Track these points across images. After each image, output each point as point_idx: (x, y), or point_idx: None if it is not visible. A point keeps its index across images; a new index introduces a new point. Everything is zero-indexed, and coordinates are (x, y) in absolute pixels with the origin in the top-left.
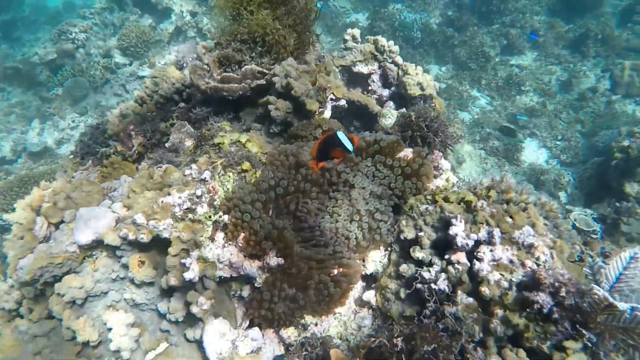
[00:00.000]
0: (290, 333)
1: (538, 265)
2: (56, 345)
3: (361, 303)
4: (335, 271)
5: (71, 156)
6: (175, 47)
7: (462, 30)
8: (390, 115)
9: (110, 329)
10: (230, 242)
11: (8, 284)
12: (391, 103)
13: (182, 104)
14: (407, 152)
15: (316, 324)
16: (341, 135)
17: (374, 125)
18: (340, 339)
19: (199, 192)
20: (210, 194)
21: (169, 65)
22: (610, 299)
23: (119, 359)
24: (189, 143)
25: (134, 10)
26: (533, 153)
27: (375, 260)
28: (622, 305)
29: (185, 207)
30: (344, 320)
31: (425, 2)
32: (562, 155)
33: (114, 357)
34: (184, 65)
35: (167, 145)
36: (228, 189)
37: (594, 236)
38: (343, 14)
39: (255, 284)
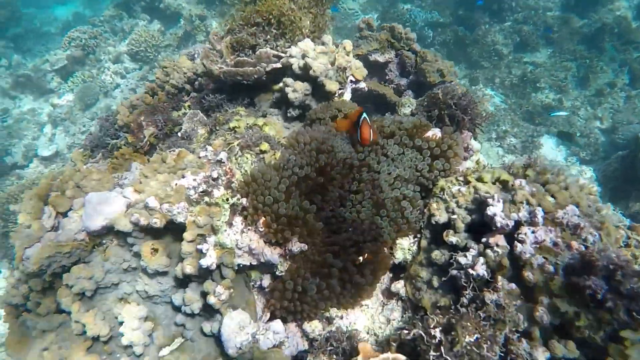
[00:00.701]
0: (314, 327)
1: (586, 247)
2: (65, 341)
3: (389, 294)
4: (361, 258)
5: (80, 150)
6: (185, 51)
7: (474, 29)
8: (409, 104)
9: (121, 323)
10: (249, 227)
11: (15, 277)
12: (410, 92)
13: (193, 94)
14: (435, 132)
15: (342, 317)
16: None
17: (393, 115)
18: (368, 332)
19: (215, 174)
20: (227, 176)
21: (180, 55)
22: None
23: (131, 355)
24: (202, 131)
25: (142, 17)
26: (551, 151)
27: (404, 247)
28: None
29: (200, 189)
30: (371, 313)
31: (435, 1)
32: (582, 152)
33: (125, 353)
34: (195, 55)
35: (179, 134)
36: (246, 171)
37: None
38: (352, 16)
39: (277, 272)
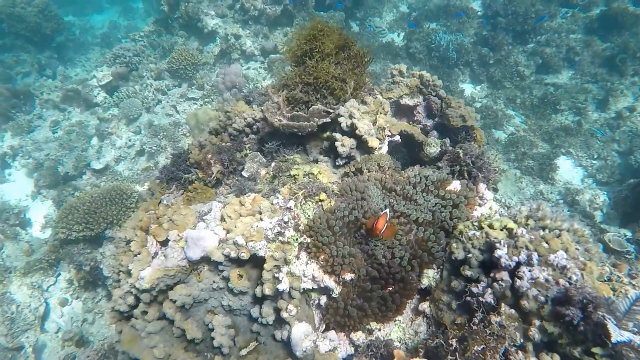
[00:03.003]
0: (358, 336)
1: (570, 284)
2: (166, 341)
3: (417, 312)
4: (391, 289)
5: (157, 181)
6: (222, 70)
7: (497, 50)
8: (434, 144)
9: (211, 330)
10: (312, 260)
11: (124, 291)
12: (435, 132)
13: (252, 136)
14: (456, 185)
15: (379, 329)
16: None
17: (419, 152)
18: (400, 342)
19: (285, 218)
20: (295, 220)
21: (238, 100)
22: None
23: (218, 354)
24: (263, 172)
25: (180, 34)
26: (568, 172)
27: (429, 276)
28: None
29: (275, 230)
30: (403, 327)
31: (460, 21)
32: (598, 174)
33: (212, 353)
34: (252, 100)
35: (243, 174)
36: (309, 216)
37: (628, 256)
38: (379, 34)
39: (333, 295)
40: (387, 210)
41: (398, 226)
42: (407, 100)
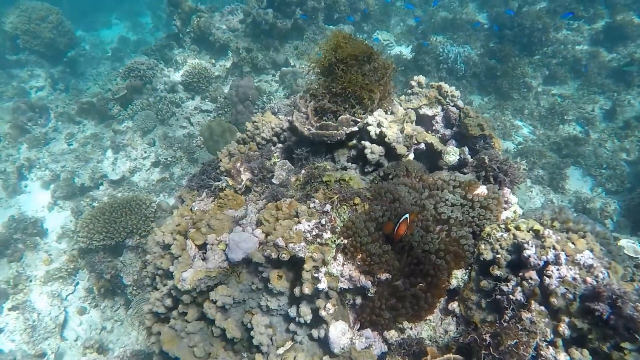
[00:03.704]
0: (392, 334)
1: (597, 282)
2: (205, 341)
3: (446, 312)
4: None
5: (187, 188)
6: (234, 83)
7: (504, 61)
8: (453, 153)
9: (250, 329)
10: (349, 261)
11: (163, 293)
12: (453, 141)
13: (279, 145)
14: (483, 189)
15: (411, 328)
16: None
17: (438, 161)
18: (431, 340)
19: (323, 221)
20: (332, 223)
21: (265, 111)
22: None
23: (257, 353)
24: (293, 179)
25: (192, 47)
26: (577, 182)
27: (458, 276)
28: None
29: (314, 233)
30: (433, 326)
31: (467, 34)
32: (608, 183)
33: (249, 352)
34: (277, 110)
35: (274, 181)
36: (344, 219)
37: None
38: (387, 47)
39: (368, 294)
40: (407, 215)
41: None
42: (426, 110)
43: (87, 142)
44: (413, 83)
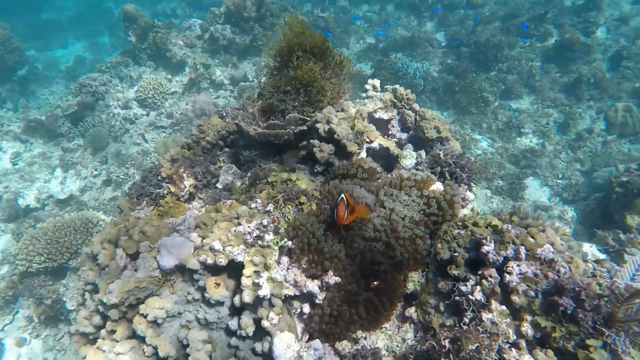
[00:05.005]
0: (344, 345)
1: (559, 276)
2: None
3: (403, 319)
4: (375, 283)
5: (126, 197)
6: (191, 98)
7: (462, 77)
8: (410, 157)
9: (185, 346)
10: (293, 265)
11: (89, 310)
12: (410, 145)
13: (226, 149)
14: (439, 185)
15: (366, 338)
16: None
17: (395, 165)
18: (387, 350)
19: (265, 222)
20: (275, 223)
21: (212, 115)
22: (634, 285)
23: None
24: (239, 183)
25: (148, 64)
26: (535, 192)
27: (414, 280)
28: None
29: (254, 234)
30: (390, 334)
31: (425, 51)
32: (564, 193)
33: None
34: (224, 114)
35: (218, 185)
36: (289, 219)
37: None
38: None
39: (316, 301)
40: (343, 195)
41: (364, 205)
42: (381, 114)
43: (34, 161)
44: (368, 87)
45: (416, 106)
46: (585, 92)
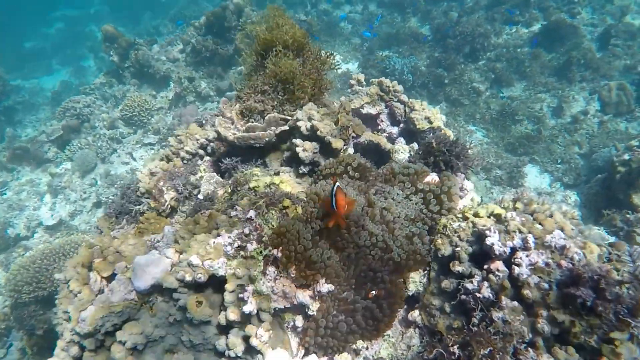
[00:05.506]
0: (344, 359)
1: (573, 264)
2: None
3: (407, 324)
4: (374, 292)
5: (105, 217)
6: (177, 112)
7: (451, 69)
8: (402, 150)
9: None
10: (281, 275)
11: (66, 341)
12: (402, 139)
13: (207, 158)
14: (433, 177)
15: (367, 348)
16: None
17: (388, 161)
18: (391, 359)
19: (247, 231)
20: (258, 231)
21: (190, 124)
22: None
23: None
24: (221, 192)
25: (132, 82)
26: (535, 179)
27: (416, 281)
28: None
29: (236, 245)
30: (393, 342)
31: (412, 46)
32: (564, 177)
33: None
34: (204, 122)
35: (199, 196)
36: (273, 225)
37: None
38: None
39: (309, 312)
40: (338, 183)
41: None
42: (368, 109)
43: (22, 189)
44: (352, 82)
45: (404, 97)
46: (576, 73)
